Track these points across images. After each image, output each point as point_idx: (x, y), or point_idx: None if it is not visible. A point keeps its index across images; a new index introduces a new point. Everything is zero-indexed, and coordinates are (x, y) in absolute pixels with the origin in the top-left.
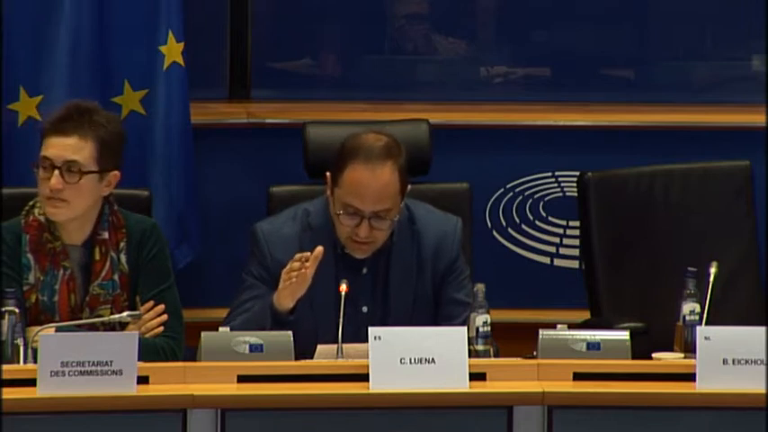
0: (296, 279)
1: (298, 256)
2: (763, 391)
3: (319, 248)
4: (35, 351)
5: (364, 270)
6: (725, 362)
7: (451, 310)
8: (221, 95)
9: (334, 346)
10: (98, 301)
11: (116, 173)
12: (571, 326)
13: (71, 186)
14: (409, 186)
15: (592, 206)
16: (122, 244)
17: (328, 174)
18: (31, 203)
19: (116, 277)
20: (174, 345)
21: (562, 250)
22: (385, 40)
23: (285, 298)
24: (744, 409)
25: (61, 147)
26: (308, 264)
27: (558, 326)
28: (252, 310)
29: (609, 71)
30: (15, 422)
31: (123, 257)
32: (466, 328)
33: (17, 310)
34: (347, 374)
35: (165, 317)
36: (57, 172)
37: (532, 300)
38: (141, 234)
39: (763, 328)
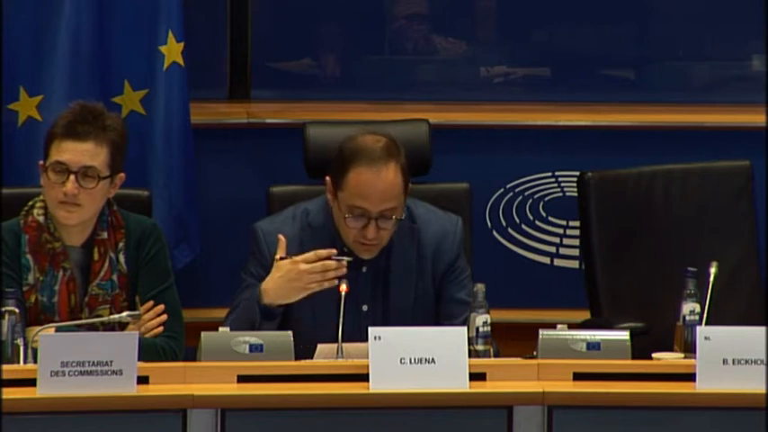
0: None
1: (328, 257)
2: (763, 391)
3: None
4: (35, 351)
5: (364, 268)
6: (725, 362)
7: (452, 309)
8: (221, 95)
9: (335, 345)
10: (97, 302)
11: (122, 174)
12: (571, 326)
13: (86, 191)
14: (410, 185)
15: (592, 206)
16: (121, 244)
17: (328, 178)
18: (30, 204)
19: (115, 277)
20: (174, 345)
21: (562, 250)
22: (385, 41)
23: (285, 297)
24: (744, 409)
25: (77, 152)
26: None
27: (558, 326)
28: (237, 309)
29: (609, 71)
30: (15, 422)
31: (122, 257)
32: (466, 328)
33: (17, 310)
34: (347, 374)
35: (164, 317)
36: (72, 177)
37: (532, 300)
38: (140, 234)
39: (763, 328)
